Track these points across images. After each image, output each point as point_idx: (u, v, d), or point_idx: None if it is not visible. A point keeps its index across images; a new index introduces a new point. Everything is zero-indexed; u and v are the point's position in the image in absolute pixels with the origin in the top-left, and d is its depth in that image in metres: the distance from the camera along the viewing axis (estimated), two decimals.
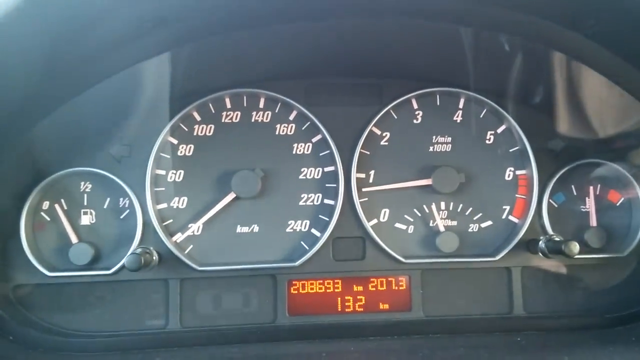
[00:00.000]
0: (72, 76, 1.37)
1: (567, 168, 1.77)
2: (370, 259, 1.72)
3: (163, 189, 1.69)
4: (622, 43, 1.33)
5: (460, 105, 1.79)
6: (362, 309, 1.70)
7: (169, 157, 1.70)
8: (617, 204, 1.80)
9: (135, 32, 1.30)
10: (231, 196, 1.67)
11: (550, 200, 1.77)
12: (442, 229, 1.73)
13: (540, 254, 1.71)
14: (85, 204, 1.67)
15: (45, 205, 1.66)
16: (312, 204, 1.73)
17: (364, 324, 1.69)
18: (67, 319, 1.64)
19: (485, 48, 1.55)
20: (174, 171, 1.70)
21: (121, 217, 1.68)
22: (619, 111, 1.68)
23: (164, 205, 1.69)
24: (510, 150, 1.78)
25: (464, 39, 1.55)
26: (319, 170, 1.74)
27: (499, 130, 1.79)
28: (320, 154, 1.74)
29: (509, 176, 1.78)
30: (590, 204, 1.78)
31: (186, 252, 1.68)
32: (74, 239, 1.65)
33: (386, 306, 1.71)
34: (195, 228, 1.69)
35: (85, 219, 1.67)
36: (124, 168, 1.67)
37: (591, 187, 1.79)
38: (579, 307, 1.75)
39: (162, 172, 1.69)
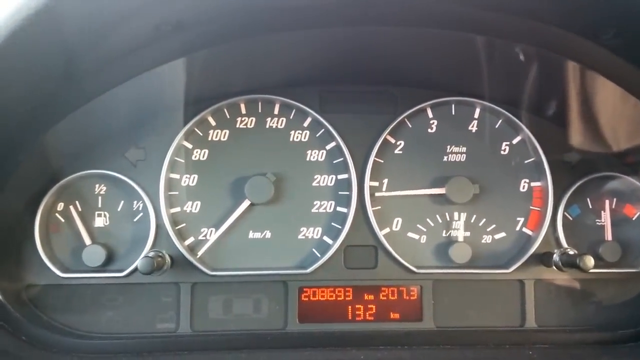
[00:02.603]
0: (89, 80, 1.38)
1: (583, 181, 1.75)
2: (382, 268, 1.72)
3: (177, 193, 1.70)
4: None
5: (476, 115, 1.78)
6: (372, 318, 1.70)
7: (183, 161, 1.70)
8: (633, 219, 1.77)
9: (153, 37, 1.31)
10: (246, 204, 1.68)
11: (565, 213, 1.75)
12: (458, 239, 1.72)
13: (554, 267, 1.69)
14: (100, 206, 1.68)
15: (60, 206, 1.67)
16: (324, 211, 1.73)
17: (374, 333, 1.68)
18: (79, 321, 1.65)
19: (501, 58, 1.55)
20: (188, 175, 1.70)
21: (135, 220, 1.69)
22: (635, 124, 1.66)
23: (177, 209, 1.69)
24: (526, 162, 1.77)
25: (480, 48, 1.54)
26: (332, 177, 1.74)
27: (515, 141, 1.77)
28: (334, 161, 1.74)
29: (523, 188, 1.77)
30: (605, 218, 1.76)
31: (198, 256, 1.68)
32: (87, 240, 1.66)
33: (397, 316, 1.70)
34: (208, 233, 1.69)
35: (99, 221, 1.68)
36: (138, 171, 1.68)
37: (607, 201, 1.77)
38: (592, 322, 1.73)
39: (177, 176, 1.70)
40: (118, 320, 1.67)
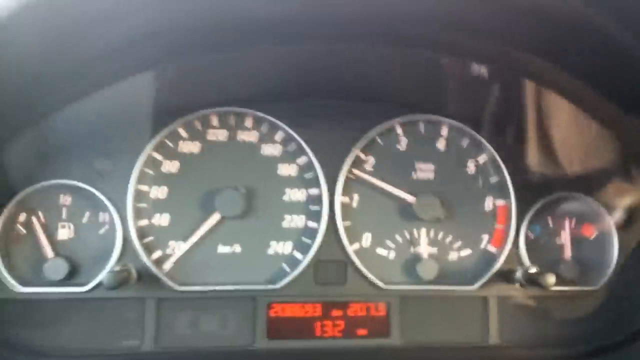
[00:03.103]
0: (58, 88, 1.34)
1: (545, 200, 1.81)
2: (350, 284, 1.72)
3: (145, 205, 1.66)
4: (606, 80, 1.37)
5: (443, 134, 1.82)
6: (340, 335, 1.69)
7: (152, 173, 1.67)
8: (591, 238, 1.84)
9: (125, 47, 1.30)
10: (216, 217, 1.66)
11: (528, 232, 1.81)
12: (424, 256, 1.75)
13: (517, 284, 1.74)
14: (64, 217, 1.63)
15: (22, 217, 1.61)
16: (295, 226, 1.73)
17: (342, 349, 1.68)
18: (38, 337, 1.59)
19: (465, 78, 1.59)
20: (157, 187, 1.67)
21: (100, 232, 1.64)
22: (595, 146, 1.73)
23: (145, 222, 1.66)
24: (491, 181, 1.82)
25: (445, 68, 1.58)
26: (303, 192, 1.74)
27: (480, 160, 1.82)
28: (305, 176, 1.75)
29: (488, 206, 1.81)
30: (565, 237, 1.83)
31: (165, 270, 1.65)
32: (50, 253, 1.60)
33: (365, 332, 1.71)
34: (176, 247, 1.66)
35: (63, 233, 1.63)
36: (105, 182, 1.64)
37: (567, 220, 1.84)
38: (552, 338, 1.77)
39: (145, 188, 1.67)
40: (80, 337, 1.61)
